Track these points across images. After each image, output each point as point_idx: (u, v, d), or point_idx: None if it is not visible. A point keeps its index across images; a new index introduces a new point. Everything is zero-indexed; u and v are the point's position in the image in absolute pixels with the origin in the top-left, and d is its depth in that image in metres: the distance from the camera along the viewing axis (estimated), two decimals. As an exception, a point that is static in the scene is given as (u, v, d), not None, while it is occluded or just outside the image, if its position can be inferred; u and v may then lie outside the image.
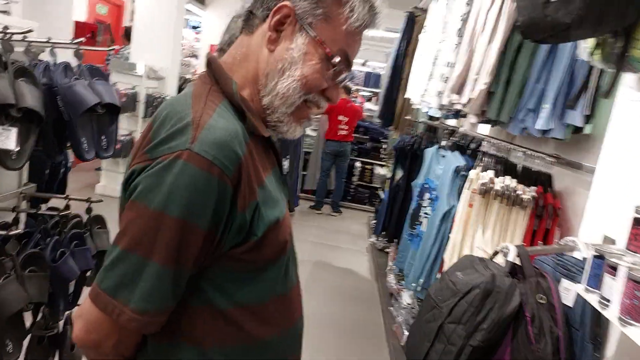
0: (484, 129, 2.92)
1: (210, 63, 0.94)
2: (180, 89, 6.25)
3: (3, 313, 1.47)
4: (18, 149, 1.46)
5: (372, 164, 7.50)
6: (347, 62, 0.92)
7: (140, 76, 5.57)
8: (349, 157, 6.94)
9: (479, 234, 2.14)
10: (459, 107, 2.34)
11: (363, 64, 16.23)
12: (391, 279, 4.13)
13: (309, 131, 7.34)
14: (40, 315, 1.80)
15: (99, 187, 5.78)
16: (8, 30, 1.50)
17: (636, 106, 1.51)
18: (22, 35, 1.52)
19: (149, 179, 0.78)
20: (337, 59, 0.90)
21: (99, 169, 5.97)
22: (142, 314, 0.79)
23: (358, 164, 7.49)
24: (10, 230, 1.57)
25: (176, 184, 0.76)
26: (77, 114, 1.65)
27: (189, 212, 0.77)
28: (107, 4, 7.36)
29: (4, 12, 5.89)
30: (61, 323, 1.94)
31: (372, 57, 14.47)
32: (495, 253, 1.71)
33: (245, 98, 0.91)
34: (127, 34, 6.10)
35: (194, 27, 9.97)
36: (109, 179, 5.80)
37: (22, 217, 2.00)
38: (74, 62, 1.85)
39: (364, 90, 12.78)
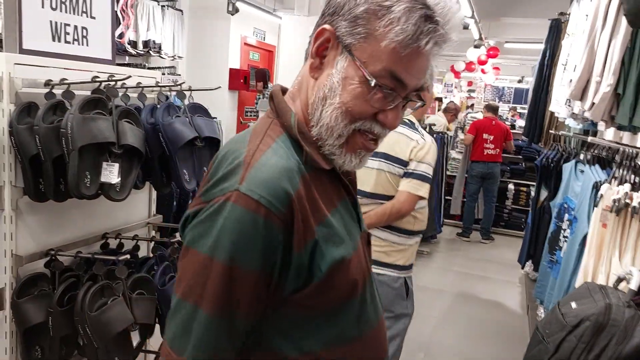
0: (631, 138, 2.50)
1: (272, 96, 0.91)
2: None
3: (110, 331, 1.62)
4: (119, 181, 1.62)
5: (527, 185, 6.90)
6: (397, 81, 0.81)
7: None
8: (499, 179, 6.48)
9: (616, 259, 1.81)
10: (587, 114, 2.03)
11: (519, 81, 15.32)
12: (541, 312, 3.69)
13: (454, 154, 7.05)
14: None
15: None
16: (113, 78, 1.70)
17: None
18: (122, 82, 1.69)
19: (200, 224, 0.77)
20: (374, 81, 0.80)
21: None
22: None
23: (511, 186, 6.95)
24: (119, 256, 1.74)
25: (224, 228, 0.74)
26: (176, 148, 1.78)
27: (237, 257, 0.74)
28: (258, 51, 8.01)
29: (172, 67, 6.74)
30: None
31: (528, 72, 13.57)
32: (620, 280, 1.43)
33: (306, 130, 0.86)
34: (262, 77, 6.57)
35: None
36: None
37: (151, 245, 2.21)
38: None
39: (521, 108, 11.99)
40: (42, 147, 1.57)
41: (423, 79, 0.84)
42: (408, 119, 2.24)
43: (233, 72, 7.02)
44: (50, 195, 1.62)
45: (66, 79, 1.68)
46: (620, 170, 1.99)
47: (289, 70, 6.14)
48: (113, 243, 2.02)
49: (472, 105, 10.56)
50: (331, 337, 0.84)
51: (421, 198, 2.16)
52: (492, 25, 7.73)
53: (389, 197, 2.16)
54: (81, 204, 1.82)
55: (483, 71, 10.54)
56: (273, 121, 0.87)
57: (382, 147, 1.99)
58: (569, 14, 4.05)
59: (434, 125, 6.24)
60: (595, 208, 1.89)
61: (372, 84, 0.80)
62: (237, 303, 0.76)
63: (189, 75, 6.59)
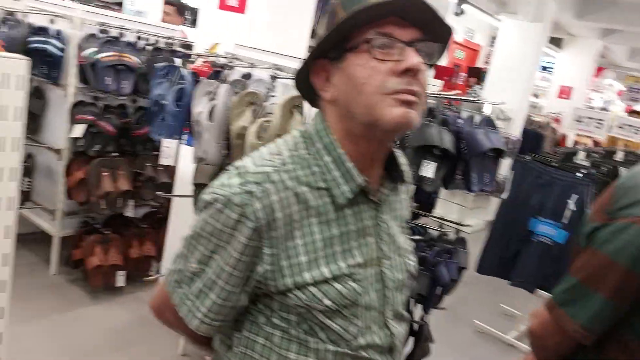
0: None
1: None
2: (525, 130, 6.42)
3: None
4: (433, 177, 1.95)
5: None
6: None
7: (489, 116, 5.95)
8: None
9: None
10: None
11: None
12: None
13: None
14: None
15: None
16: (439, 92, 2.02)
17: None
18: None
19: (607, 234, 1.04)
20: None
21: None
22: (584, 329, 1.07)
23: None
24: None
25: (629, 241, 1.00)
26: (474, 154, 2.06)
27: (633, 263, 1.00)
28: (465, 49, 8.07)
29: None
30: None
31: None
32: None
33: None
34: (476, 74, 6.61)
35: (544, 68, 9.95)
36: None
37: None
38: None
39: None
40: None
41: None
42: None
43: (439, 69, 7.20)
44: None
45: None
46: None
47: (503, 70, 6.14)
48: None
49: None
50: None
51: None
52: None
53: None
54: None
55: None
56: None
57: None
58: None
59: None
60: None
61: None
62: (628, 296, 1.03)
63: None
